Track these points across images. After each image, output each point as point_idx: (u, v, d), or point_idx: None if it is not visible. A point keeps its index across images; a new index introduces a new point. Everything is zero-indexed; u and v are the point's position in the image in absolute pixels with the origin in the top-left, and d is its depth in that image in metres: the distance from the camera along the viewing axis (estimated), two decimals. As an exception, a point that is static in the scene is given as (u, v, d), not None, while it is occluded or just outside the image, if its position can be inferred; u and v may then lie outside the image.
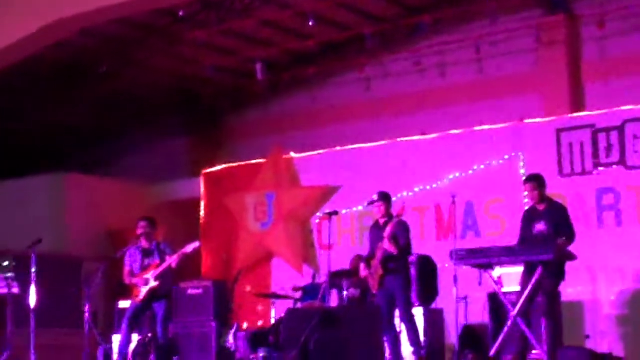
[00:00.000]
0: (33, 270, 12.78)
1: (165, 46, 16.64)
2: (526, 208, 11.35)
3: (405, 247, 11.61)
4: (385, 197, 11.86)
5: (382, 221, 11.77)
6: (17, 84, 16.66)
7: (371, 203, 11.96)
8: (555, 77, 15.59)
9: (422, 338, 11.71)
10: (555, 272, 10.53)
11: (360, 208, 15.31)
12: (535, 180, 11.04)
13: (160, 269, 12.45)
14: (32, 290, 12.78)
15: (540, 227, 10.82)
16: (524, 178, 11.31)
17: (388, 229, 11.53)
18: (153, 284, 12.43)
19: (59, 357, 13.90)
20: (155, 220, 13.01)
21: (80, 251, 17.00)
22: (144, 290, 12.49)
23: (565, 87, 15.51)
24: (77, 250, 17.08)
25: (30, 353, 12.58)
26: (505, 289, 11.18)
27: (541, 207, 10.93)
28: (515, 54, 16.09)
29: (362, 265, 11.83)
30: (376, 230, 11.83)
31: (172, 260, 12.39)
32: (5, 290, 13.20)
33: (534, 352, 10.56)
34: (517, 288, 10.92)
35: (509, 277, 11.44)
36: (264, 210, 16.74)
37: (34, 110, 17.88)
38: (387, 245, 11.44)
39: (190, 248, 12.43)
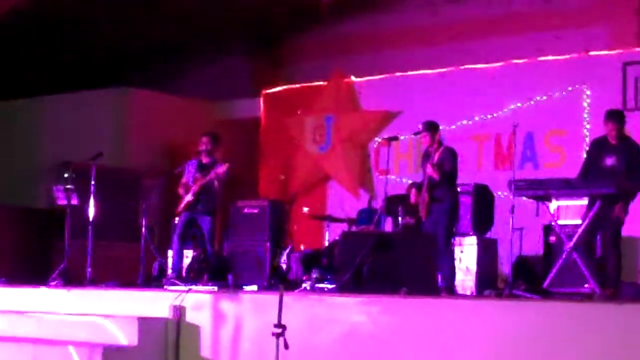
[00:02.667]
0: (92, 182, 12.95)
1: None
2: (594, 139, 11.15)
3: (450, 173, 11.54)
4: (430, 126, 11.77)
5: (431, 150, 11.73)
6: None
7: (417, 133, 11.91)
8: (623, 8, 15.27)
9: (474, 267, 11.75)
10: (619, 206, 10.39)
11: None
12: (619, 117, 10.84)
13: (198, 185, 12.61)
14: (91, 202, 12.95)
15: (611, 161, 10.64)
16: (607, 113, 11.02)
17: (435, 156, 11.51)
18: (188, 198, 12.62)
19: (115, 269, 14.10)
20: (217, 136, 13.10)
21: (140, 166, 17.15)
22: (182, 204, 12.75)
23: (633, 19, 15.19)
24: (137, 165, 17.24)
25: (87, 265, 12.79)
26: (562, 222, 11.10)
27: (615, 142, 10.74)
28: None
29: (413, 191, 11.85)
30: (426, 158, 11.81)
31: (204, 181, 12.53)
32: (64, 202, 13.34)
33: (585, 285, 10.50)
34: (576, 221, 10.85)
35: (568, 210, 11.33)
36: (322, 132, 16.74)
37: (99, 24, 17.90)
38: (430, 171, 11.42)
39: (220, 170, 12.50)
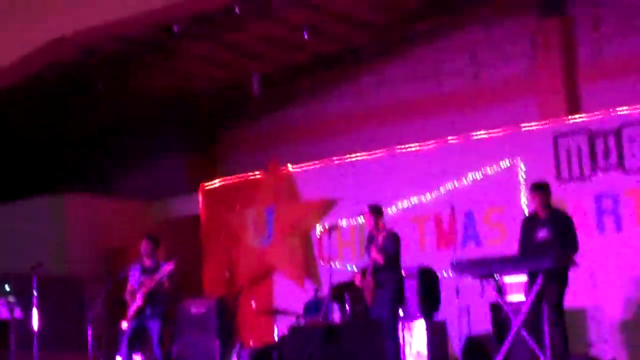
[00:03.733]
0: (34, 293, 12.80)
1: (162, 61, 16.63)
2: (525, 215, 11.32)
3: (394, 257, 11.60)
4: (374, 210, 11.91)
5: (375, 233, 11.81)
6: (15, 104, 16.65)
7: (362, 215, 12.01)
8: (551, 80, 15.54)
9: (425, 351, 11.74)
10: (558, 281, 10.52)
11: (360, 220, 15.26)
12: (541, 190, 11.03)
13: (146, 289, 12.53)
14: (35, 313, 12.79)
15: (542, 234, 10.83)
16: (532, 185, 11.23)
17: (379, 239, 11.58)
18: (138, 302, 12.54)
19: (63, 380, 13.89)
20: (157, 238, 13.05)
21: (81, 271, 16.98)
22: (132, 309, 12.63)
23: (562, 90, 15.45)
24: (78, 271, 17.06)
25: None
26: (509, 298, 11.15)
27: (543, 215, 10.93)
28: (511, 59, 16.05)
29: (357, 277, 11.87)
30: (370, 241, 11.87)
31: (152, 283, 12.46)
32: (7, 315, 13.19)
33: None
34: (521, 297, 10.92)
35: (513, 286, 11.40)
36: (263, 225, 16.67)
37: (31, 129, 17.87)
38: (374, 255, 11.48)
39: (166, 269, 12.46)
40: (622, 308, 13.12)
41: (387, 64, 17.01)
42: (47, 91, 16.58)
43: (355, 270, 12.76)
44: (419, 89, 16.82)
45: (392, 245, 11.65)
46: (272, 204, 16.60)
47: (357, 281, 11.83)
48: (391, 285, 11.53)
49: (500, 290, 10.93)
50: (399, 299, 11.67)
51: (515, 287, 11.16)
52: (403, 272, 12.07)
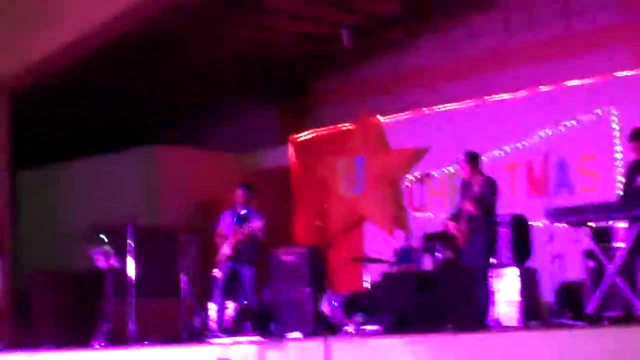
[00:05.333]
0: (130, 242, 13.05)
1: (251, 16, 16.66)
2: (632, 161, 11.14)
3: (489, 206, 11.50)
4: (471, 157, 11.76)
5: (471, 180, 11.71)
6: (109, 61, 16.85)
7: (457, 163, 11.91)
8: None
9: (517, 298, 11.71)
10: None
11: (450, 169, 15.20)
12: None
13: (236, 238, 12.67)
14: (130, 262, 13.04)
15: None
16: (632, 133, 11.05)
17: (475, 189, 11.47)
18: (226, 251, 12.69)
19: (157, 325, 14.08)
20: (252, 187, 13.18)
21: (174, 222, 17.22)
22: (221, 256, 12.83)
23: (657, 37, 15.17)
24: (171, 222, 17.31)
25: (130, 322, 12.84)
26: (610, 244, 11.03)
27: None
28: (604, 6, 15.75)
29: (450, 222, 11.79)
30: (464, 188, 11.78)
31: (242, 235, 12.63)
32: (104, 264, 13.48)
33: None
34: (616, 244, 10.82)
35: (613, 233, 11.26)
36: (354, 175, 16.76)
37: (125, 84, 18.08)
38: (468, 206, 11.38)
39: (255, 226, 12.65)
40: None
41: (477, 13, 16.79)
42: (140, 47, 16.72)
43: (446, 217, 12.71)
44: (510, 38, 16.61)
45: (489, 194, 11.52)
46: (363, 153, 16.66)
47: (451, 227, 11.75)
48: (486, 232, 11.44)
49: (596, 237, 10.79)
50: (492, 247, 11.60)
51: (616, 233, 11.00)
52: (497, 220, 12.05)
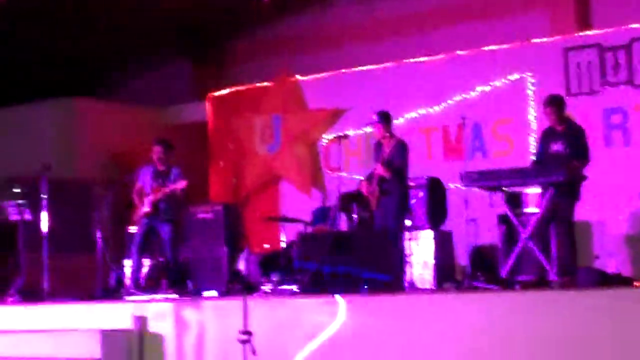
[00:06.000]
0: (44, 195, 12.89)
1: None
2: (546, 128, 11.35)
3: (400, 169, 11.65)
4: (383, 117, 11.89)
5: (383, 141, 11.84)
6: (26, 13, 16.56)
7: (370, 124, 12.01)
8: (562, -6, 15.46)
9: (432, 261, 11.90)
10: (569, 194, 10.60)
11: (367, 130, 15.26)
12: (555, 103, 11.06)
13: (156, 195, 12.63)
14: (44, 215, 12.89)
15: (557, 147, 10.93)
16: (546, 99, 11.27)
17: (386, 151, 11.60)
18: (146, 208, 12.66)
19: (72, 281, 13.99)
20: (170, 143, 13.11)
21: (89, 175, 17.05)
22: (139, 213, 12.80)
23: (572, 4, 15.36)
24: (86, 175, 17.13)
25: (44, 278, 12.72)
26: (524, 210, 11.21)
27: (559, 128, 10.99)
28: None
29: (363, 184, 11.93)
30: (377, 149, 11.90)
31: (160, 194, 12.57)
32: (17, 217, 13.30)
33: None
34: (529, 210, 11.03)
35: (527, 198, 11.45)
36: (271, 133, 16.77)
37: (38, 37, 17.79)
38: (380, 170, 11.53)
39: (178, 186, 12.63)
40: (627, 222, 13.26)
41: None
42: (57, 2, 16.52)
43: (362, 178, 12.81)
44: (429, 1, 16.71)
45: (399, 156, 11.68)
46: (280, 112, 16.66)
47: (364, 189, 11.90)
48: (397, 194, 11.60)
49: (509, 201, 10.98)
50: (403, 209, 11.76)
51: (529, 198, 11.20)
52: (410, 183, 12.22)
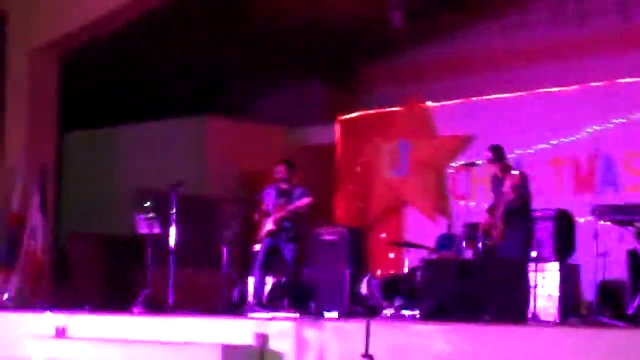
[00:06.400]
0: (173, 211, 13.11)
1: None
2: None
3: (526, 201, 11.51)
4: (497, 151, 11.74)
5: (500, 175, 11.71)
6: (159, 28, 16.92)
7: (490, 160, 11.82)
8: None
9: (556, 294, 11.72)
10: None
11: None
12: None
13: (280, 215, 12.73)
14: (172, 230, 13.11)
15: None
16: None
17: (507, 183, 11.45)
18: (270, 227, 12.76)
19: (196, 296, 14.20)
20: (293, 164, 13.22)
21: (218, 193, 17.29)
22: (263, 231, 12.90)
23: None
24: (215, 192, 17.37)
25: (169, 291, 12.93)
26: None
27: None
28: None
29: (485, 216, 11.80)
30: (496, 183, 11.78)
31: (286, 210, 12.66)
32: (146, 230, 13.55)
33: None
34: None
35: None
36: (398, 158, 16.75)
37: (175, 53, 18.15)
38: (510, 198, 11.37)
39: (302, 203, 12.68)
40: None
41: (532, 3, 16.73)
42: (197, 14, 16.79)
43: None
44: (563, 30, 16.52)
45: (522, 188, 11.54)
46: (409, 137, 16.65)
47: (484, 221, 11.80)
48: (522, 226, 11.47)
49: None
50: (528, 241, 11.61)
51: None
52: (538, 214, 12.09)
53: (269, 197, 13.15)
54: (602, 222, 10.88)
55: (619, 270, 11.73)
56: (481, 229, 11.81)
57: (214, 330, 11.44)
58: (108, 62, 18.06)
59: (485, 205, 12.28)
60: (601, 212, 10.62)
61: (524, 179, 11.56)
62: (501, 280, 10.81)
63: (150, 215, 13.51)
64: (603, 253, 11.60)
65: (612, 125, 14.59)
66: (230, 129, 18.35)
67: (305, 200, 12.72)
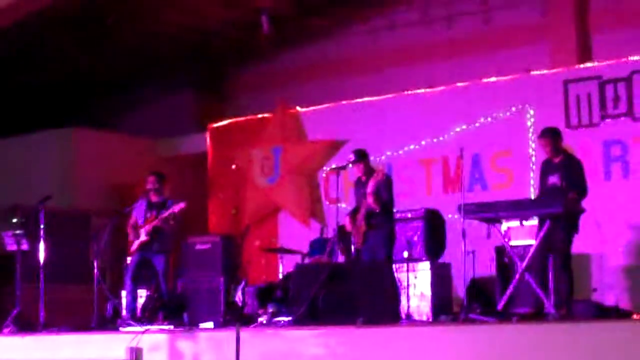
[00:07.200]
0: (42, 226, 12.87)
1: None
2: (544, 159, 11.31)
3: (388, 203, 11.66)
4: (360, 155, 11.91)
5: (363, 178, 11.83)
6: (23, 37, 16.60)
7: (353, 162, 11.96)
8: (563, 27, 15.42)
9: (429, 292, 11.87)
10: (567, 226, 10.53)
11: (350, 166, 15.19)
12: (550, 135, 11.02)
13: (152, 225, 12.62)
14: (41, 246, 12.87)
15: (554, 179, 10.87)
16: (541, 131, 11.25)
17: (370, 185, 11.57)
18: (142, 238, 12.65)
19: (68, 312, 13.96)
20: (164, 175, 13.13)
21: (88, 206, 17.03)
22: (135, 244, 12.74)
23: (573, 37, 15.33)
24: (85, 205, 17.11)
25: (40, 309, 12.68)
26: (514, 242, 11.16)
27: (556, 160, 10.95)
28: (522, 4, 15.93)
29: (347, 220, 11.90)
30: (359, 186, 11.90)
31: (157, 221, 12.56)
32: (14, 247, 13.28)
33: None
34: (526, 242, 10.98)
35: (518, 231, 11.40)
36: (270, 164, 16.72)
37: (40, 64, 17.83)
38: (370, 202, 11.51)
39: (177, 208, 12.62)
40: (626, 255, 13.18)
41: (398, 6, 16.90)
42: (58, 26, 16.51)
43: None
44: (429, 33, 16.72)
45: (385, 190, 11.68)
46: (280, 143, 16.64)
47: (347, 224, 11.90)
48: (385, 228, 11.61)
49: (507, 234, 10.94)
50: (391, 242, 11.75)
51: (524, 231, 11.15)
52: (407, 214, 12.24)
53: (139, 210, 13.02)
54: (469, 220, 10.97)
55: (488, 267, 11.92)
56: (345, 232, 11.94)
57: (87, 347, 11.27)
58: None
59: (348, 209, 12.41)
60: (467, 210, 10.75)
61: (386, 181, 11.69)
62: (369, 282, 10.88)
63: (18, 231, 13.24)
64: (472, 251, 11.78)
65: (478, 125, 14.80)
66: (99, 141, 18.08)
67: (181, 205, 12.59)
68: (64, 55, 17.58)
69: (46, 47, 17.33)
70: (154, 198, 12.96)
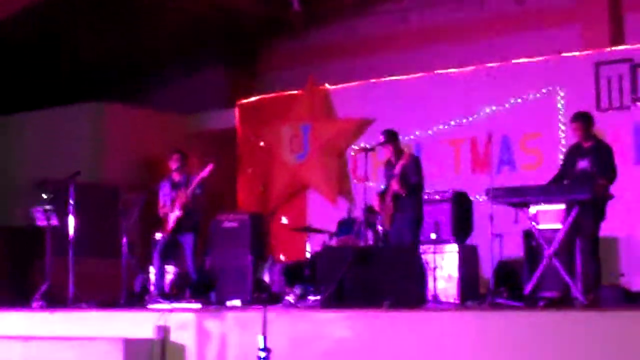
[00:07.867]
0: (71, 201, 12.94)
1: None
2: (572, 143, 11.25)
3: (416, 185, 11.64)
4: (390, 136, 11.87)
5: (393, 159, 11.81)
6: (59, 15, 16.65)
7: (381, 144, 11.93)
8: (595, 8, 15.32)
9: (456, 274, 11.87)
10: (595, 212, 10.49)
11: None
12: (582, 119, 10.95)
13: (184, 199, 12.62)
14: (71, 220, 12.94)
15: (583, 164, 10.77)
16: (573, 115, 11.17)
17: (397, 168, 11.56)
18: (177, 212, 12.64)
19: (97, 286, 14.04)
20: (186, 153, 13.14)
21: (117, 181, 17.09)
22: (171, 221, 12.75)
23: (605, 19, 15.24)
24: (114, 180, 17.17)
25: (69, 282, 12.77)
26: (542, 226, 11.12)
27: (587, 144, 10.88)
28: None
29: (376, 200, 11.91)
30: (389, 167, 11.90)
31: (191, 189, 12.52)
32: (44, 222, 13.35)
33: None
34: (555, 225, 10.93)
35: (547, 214, 11.35)
36: (299, 141, 16.74)
37: (75, 41, 17.87)
38: (395, 186, 11.50)
39: (205, 171, 12.53)
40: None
41: (432, -15, 16.84)
42: (91, 7, 16.54)
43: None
44: (461, 12, 16.64)
45: (413, 172, 11.67)
46: (309, 121, 16.64)
47: (376, 206, 11.91)
48: (412, 210, 11.61)
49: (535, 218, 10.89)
50: (419, 224, 11.76)
51: (551, 215, 11.10)
52: (435, 196, 12.23)
53: (165, 192, 13.05)
54: (497, 204, 10.95)
55: (515, 251, 11.91)
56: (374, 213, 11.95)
57: (115, 324, 11.34)
58: (4, 50, 17.68)
59: (376, 188, 12.41)
60: (495, 194, 10.71)
61: (414, 162, 11.68)
62: (395, 265, 10.88)
63: (47, 207, 13.30)
64: (500, 234, 11.76)
65: (508, 106, 14.76)
66: (129, 115, 18.10)
67: (209, 167, 12.56)
68: (97, 35, 17.60)
69: (80, 27, 17.37)
70: (177, 177, 12.98)
